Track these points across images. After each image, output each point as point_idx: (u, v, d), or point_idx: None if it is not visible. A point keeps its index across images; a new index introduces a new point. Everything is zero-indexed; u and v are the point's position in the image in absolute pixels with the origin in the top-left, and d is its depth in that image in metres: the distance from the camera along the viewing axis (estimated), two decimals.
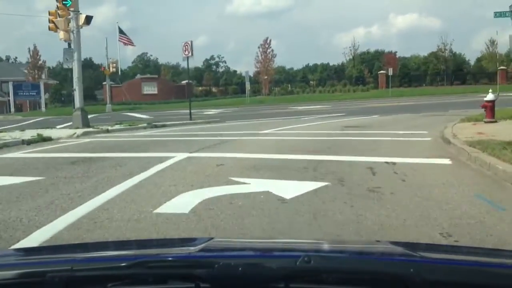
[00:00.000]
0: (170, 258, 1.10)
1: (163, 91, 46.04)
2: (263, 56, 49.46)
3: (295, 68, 66.71)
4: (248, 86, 39.29)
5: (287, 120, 17.19)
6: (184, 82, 47.48)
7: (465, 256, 1.34)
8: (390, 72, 40.74)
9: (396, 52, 58.40)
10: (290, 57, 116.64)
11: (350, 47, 53.19)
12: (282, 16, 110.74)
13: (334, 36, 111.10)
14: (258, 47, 50.38)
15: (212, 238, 1.50)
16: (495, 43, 52.19)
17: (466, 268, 1.05)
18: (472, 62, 55.94)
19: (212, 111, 27.93)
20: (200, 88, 53.41)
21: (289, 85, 51.81)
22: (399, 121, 14.72)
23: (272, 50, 50.31)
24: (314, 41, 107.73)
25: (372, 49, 60.33)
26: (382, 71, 49.03)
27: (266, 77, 48.82)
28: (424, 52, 56.63)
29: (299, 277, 0.98)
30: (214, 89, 53.85)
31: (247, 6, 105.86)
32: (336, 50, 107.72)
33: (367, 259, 1.15)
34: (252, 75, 52.21)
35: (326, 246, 1.51)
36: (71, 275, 1.00)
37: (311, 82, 52.88)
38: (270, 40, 50.64)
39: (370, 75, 51.94)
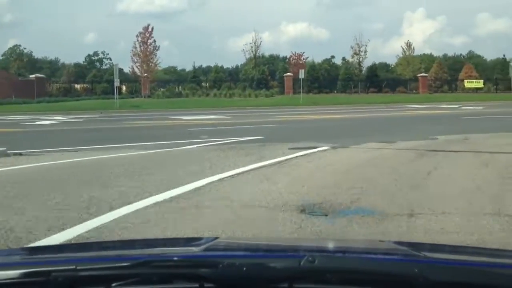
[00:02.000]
0: (174, 258, 1.11)
1: (3, 86, 35.53)
2: (142, 48, 40.87)
3: (187, 70, 61.54)
4: (117, 83, 30.32)
5: (146, 158, 9.52)
6: (33, 76, 37.50)
7: (469, 257, 1.38)
8: (302, 74, 34.37)
9: (304, 52, 53.37)
10: (183, 59, 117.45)
11: (251, 43, 46.63)
12: (175, 17, 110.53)
13: (228, 40, 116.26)
14: (136, 36, 41.71)
15: (216, 238, 1.54)
16: (412, 46, 49.19)
17: (470, 269, 1.07)
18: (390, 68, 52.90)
19: (45, 121, 19.08)
20: (57, 85, 43.00)
21: (178, 87, 43.66)
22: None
23: (154, 41, 41.93)
24: (208, 44, 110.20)
25: (266, 54, 55.67)
26: (288, 74, 43.13)
27: (146, 74, 40.29)
28: (318, 60, 52.95)
29: (303, 277, 1.00)
30: (78, 87, 43.71)
31: (138, 5, 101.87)
32: (229, 54, 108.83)
33: (371, 259, 1.16)
34: (130, 72, 43.40)
35: (330, 246, 1.59)
36: (76, 275, 1.02)
37: (203, 83, 45.19)
38: (152, 28, 42.10)
39: (271, 78, 45.85)
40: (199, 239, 1.73)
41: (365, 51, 46.62)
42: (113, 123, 17.75)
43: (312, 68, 44.88)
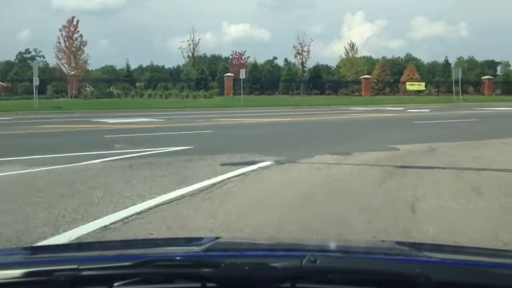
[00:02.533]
0: (176, 258, 1.11)
1: None
2: (67, 44, 37.44)
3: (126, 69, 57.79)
4: (36, 82, 27.07)
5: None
6: None
7: (470, 257, 1.38)
8: (243, 74, 32.45)
9: (245, 51, 51.54)
10: (124, 58, 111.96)
11: (188, 40, 44.27)
12: (114, 15, 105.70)
13: (169, 39, 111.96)
14: (60, 30, 38.15)
15: (218, 238, 1.53)
16: (355, 47, 48.64)
17: (471, 269, 1.08)
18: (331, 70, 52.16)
19: None
20: None
21: (110, 87, 40.56)
22: None
23: (81, 36, 38.62)
24: (149, 43, 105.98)
25: (208, 54, 53.64)
26: (229, 74, 41.19)
27: (74, 72, 36.96)
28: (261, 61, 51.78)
29: (305, 277, 1.01)
30: None
31: (75, 1, 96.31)
32: (171, 54, 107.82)
33: (373, 259, 1.18)
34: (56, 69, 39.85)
35: (331, 246, 1.63)
36: (77, 274, 1.02)
37: (137, 83, 42.27)
38: (78, 21, 38.73)
39: (212, 79, 43.74)
40: (201, 239, 1.70)
41: (308, 51, 45.62)
42: (21, 128, 15.05)
43: (254, 69, 43.16)
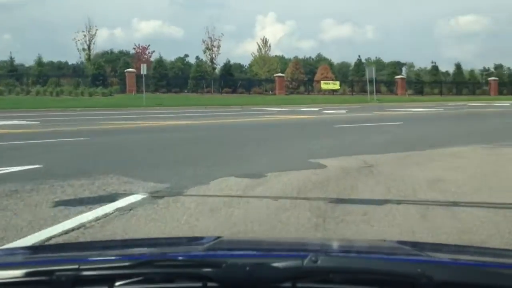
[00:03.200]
0: (177, 257, 1.11)
1: None
2: None
3: (27, 65, 52.08)
4: None
5: None
6: None
7: (472, 256, 1.38)
8: (144, 70, 29.09)
9: (149, 45, 48.04)
10: (27, 54, 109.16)
11: (83, 32, 40.16)
12: (17, 9, 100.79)
13: (75, 35, 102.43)
14: None
15: (219, 237, 1.49)
16: (268, 43, 47.06)
17: (473, 269, 1.08)
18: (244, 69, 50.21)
19: None
20: None
21: None
22: None
23: None
24: (53, 39, 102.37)
25: (116, 50, 49.58)
26: (130, 70, 37.73)
27: None
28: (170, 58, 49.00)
29: (306, 277, 1.01)
30: None
31: None
32: (75, 50, 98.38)
33: (374, 258, 1.17)
34: None
35: (333, 246, 1.61)
36: (78, 274, 1.02)
37: (25, 79, 37.48)
38: None
39: (114, 74, 40.01)
40: (202, 238, 1.68)
41: (219, 47, 43.30)
42: None
43: (160, 64, 39.98)
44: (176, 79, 41.60)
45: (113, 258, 1.19)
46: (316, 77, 46.28)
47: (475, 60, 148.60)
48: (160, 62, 40.63)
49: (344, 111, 23.83)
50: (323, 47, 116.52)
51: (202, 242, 1.47)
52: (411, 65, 68.11)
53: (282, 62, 55.34)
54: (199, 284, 1.01)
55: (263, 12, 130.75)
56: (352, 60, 54.39)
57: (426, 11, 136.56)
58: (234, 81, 42.45)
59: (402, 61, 62.28)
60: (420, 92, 46.34)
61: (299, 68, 45.72)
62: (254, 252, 1.33)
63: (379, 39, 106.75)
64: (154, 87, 36.75)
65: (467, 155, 7.94)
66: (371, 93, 37.03)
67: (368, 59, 65.19)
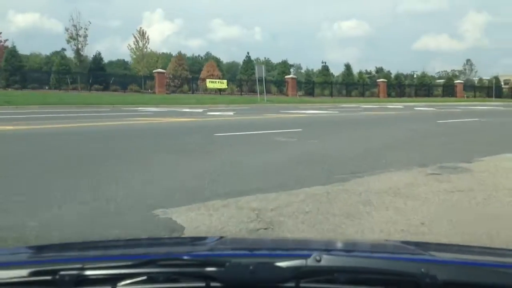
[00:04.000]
0: (180, 257, 1.12)
1: None
2: None
3: None
4: None
5: None
6: None
7: (476, 256, 1.38)
8: None
9: (7, 40, 41.06)
10: None
11: None
12: None
13: None
14: None
15: (222, 237, 1.54)
16: (146, 35, 42.66)
17: (477, 268, 1.08)
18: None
19: None
20: None
21: None
22: None
23: None
24: None
25: None
26: None
27: None
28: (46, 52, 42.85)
29: (310, 276, 1.02)
30: None
31: None
32: None
33: (377, 258, 1.17)
34: None
35: (336, 245, 1.60)
36: (82, 274, 1.03)
37: None
38: None
39: None
40: (205, 238, 1.71)
41: (85, 36, 38.06)
42: None
43: (13, 55, 33.79)
44: (35, 73, 35.75)
45: (116, 257, 1.21)
46: (202, 75, 42.92)
47: (357, 63, 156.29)
48: (13, 52, 34.27)
49: (231, 113, 20.70)
50: (212, 46, 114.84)
51: (205, 241, 1.53)
52: (298, 67, 67.54)
53: (168, 59, 51.29)
54: (203, 284, 1.02)
55: (150, 9, 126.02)
56: (241, 60, 51.94)
57: (312, 15, 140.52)
58: (106, 77, 37.51)
59: (290, 62, 61.46)
60: (310, 93, 44.98)
61: (182, 64, 41.91)
62: (258, 252, 1.34)
63: (268, 40, 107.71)
64: (5, 82, 30.87)
65: (417, 193, 4.98)
66: (261, 93, 34.51)
67: (257, 59, 63.79)
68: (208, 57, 69.40)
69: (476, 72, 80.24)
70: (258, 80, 34.90)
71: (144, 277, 1.04)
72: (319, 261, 1.03)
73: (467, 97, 52.08)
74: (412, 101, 41.08)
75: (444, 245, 1.94)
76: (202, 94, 37.97)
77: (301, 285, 1.01)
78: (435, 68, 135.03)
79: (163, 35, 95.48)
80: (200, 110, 22.89)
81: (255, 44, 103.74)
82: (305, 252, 1.13)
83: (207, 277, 1.02)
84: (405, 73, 64.28)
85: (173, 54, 60.98)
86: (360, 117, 20.26)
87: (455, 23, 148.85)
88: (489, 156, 7.80)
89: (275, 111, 22.67)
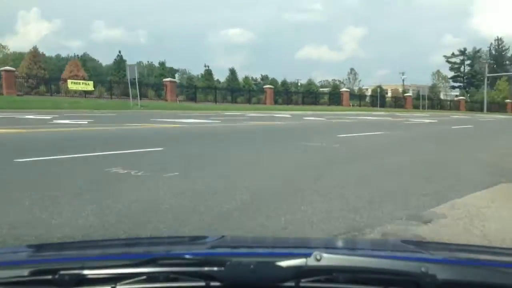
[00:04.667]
0: (181, 256, 1.12)
1: None
2: None
3: None
4: None
5: None
6: None
7: (476, 255, 1.38)
8: None
9: None
10: None
11: None
12: None
13: None
14: None
15: (223, 236, 1.54)
16: None
17: (477, 268, 1.10)
18: None
19: None
20: None
21: None
22: None
23: None
24: None
25: None
26: None
27: None
28: None
29: (310, 276, 1.02)
30: None
31: None
32: None
33: (378, 257, 1.17)
34: None
35: (336, 244, 1.68)
36: (82, 273, 1.03)
37: None
38: None
39: None
40: (205, 237, 1.69)
41: None
42: None
43: None
44: None
45: (116, 256, 1.22)
46: (64, 75, 37.25)
47: (243, 70, 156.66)
48: None
49: (86, 122, 16.41)
50: (92, 48, 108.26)
51: (205, 240, 1.53)
52: (184, 72, 64.36)
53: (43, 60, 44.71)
54: (203, 283, 1.02)
55: (26, 8, 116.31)
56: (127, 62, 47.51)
57: (199, 21, 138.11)
58: None
59: (175, 67, 57.75)
60: (193, 98, 41.30)
61: (38, 61, 35.92)
62: (258, 251, 1.34)
63: (152, 44, 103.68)
64: None
65: None
66: (135, 97, 30.19)
67: (139, 63, 59.71)
68: (86, 58, 63.82)
69: (360, 81, 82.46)
70: (131, 83, 30.53)
71: (144, 277, 1.04)
72: (319, 260, 1.03)
73: (352, 105, 51.88)
74: (300, 109, 39.21)
75: (444, 244, 1.98)
76: (64, 97, 32.63)
77: (301, 284, 1.02)
78: (317, 77, 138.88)
79: (41, 34, 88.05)
80: (48, 117, 18.24)
81: (139, 47, 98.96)
82: (306, 251, 1.13)
83: (208, 276, 1.03)
84: (289, 81, 63.59)
85: (47, 54, 54.73)
86: (245, 128, 17.00)
87: (334, 35, 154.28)
88: (438, 207, 4.73)
89: (145, 120, 18.71)
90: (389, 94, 63.43)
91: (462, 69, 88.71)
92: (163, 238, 2.42)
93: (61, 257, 1.26)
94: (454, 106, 62.96)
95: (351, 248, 1.52)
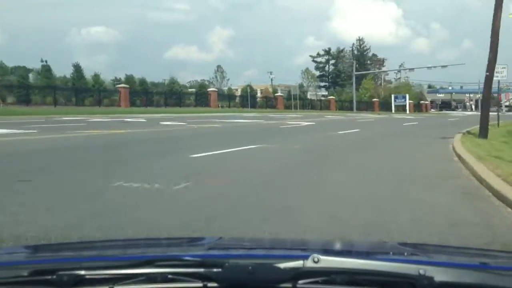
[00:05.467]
0: (179, 257, 1.12)
1: None
2: None
3: None
4: None
5: None
6: None
7: (473, 258, 1.40)
8: None
9: None
10: None
11: None
12: None
13: None
14: None
15: (220, 238, 1.60)
16: None
17: (474, 270, 1.08)
18: None
19: None
20: None
21: None
22: None
23: None
24: None
25: None
26: None
27: None
28: None
29: (307, 277, 1.02)
30: None
31: None
32: None
33: (375, 259, 1.16)
34: None
35: (334, 246, 1.63)
36: (80, 274, 1.04)
37: None
38: None
39: None
40: (203, 238, 1.75)
41: None
42: None
43: None
44: None
45: (114, 257, 1.23)
46: None
47: (107, 70, 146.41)
48: None
49: None
50: None
51: (203, 242, 1.56)
52: (38, 72, 56.60)
53: None
54: (200, 284, 1.02)
55: None
56: None
57: (59, 18, 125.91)
58: None
59: (29, 66, 49.01)
60: (25, 100, 33.56)
61: None
62: (255, 252, 1.34)
63: (5, 42, 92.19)
64: None
65: None
66: None
67: None
68: None
69: (228, 80, 78.55)
70: None
71: (142, 277, 1.03)
72: (317, 262, 1.02)
73: (222, 106, 47.37)
74: (161, 112, 33.68)
75: (441, 246, 2.02)
76: None
77: (299, 286, 1.01)
78: (186, 77, 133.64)
79: None
80: None
81: None
82: (303, 253, 1.12)
83: (205, 278, 1.02)
84: (156, 81, 57.40)
85: None
86: (74, 146, 11.17)
87: (203, 36, 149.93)
88: None
89: None
90: (259, 94, 60.09)
91: (327, 68, 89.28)
92: (161, 239, 2.35)
93: (59, 258, 1.27)
94: (325, 106, 61.44)
95: (348, 250, 1.53)
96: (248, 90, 47.23)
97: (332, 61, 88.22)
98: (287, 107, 52.15)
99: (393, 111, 61.30)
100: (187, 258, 1.10)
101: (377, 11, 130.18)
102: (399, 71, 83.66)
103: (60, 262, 1.14)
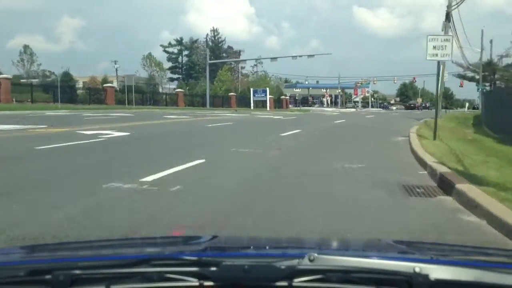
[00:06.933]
0: (174, 256, 1.12)
1: None
2: None
3: None
4: None
5: None
6: None
7: (468, 256, 1.42)
8: None
9: None
10: None
11: None
12: None
13: None
14: None
15: (216, 236, 1.52)
16: None
17: (469, 267, 1.08)
18: None
19: None
20: None
21: None
22: None
23: None
24: None
25: None
26: None
27: None
28: None
29: (303, 276, 1.02)
30: None
31: None
32: None
33: (370, 257, 1.15)
34: None
35: (329, 245, 1.66)
36: (76, 273, 1.03)
37: None
38: None
39: None
40: (199, 237, 1.71)
41: None
42: None
43: None
44: None
45: (110, 257, 1.22)
46: None
47: None
48: None
49: None
50: None
51: (199, 241, 1.52)
52: None
53: None
54: (196, 283, 1.01)
55: None
56: None
57: None
58: None
59: None
60: None
61: None
62: (251, 251, 1.34)
63: None
64: None
65: None
66: None
67: None
68: None
69: (40, 65, 63.60)
70: None
71: (138, 276, 1.02)
72: (312, 260, 1.02)
73: (20, 101, 34.03)
74: None
75: (437, 244, 1.99)
76: None
77: (294, 284, 1.00)
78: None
79: None
80: None
81: None
82: (299, 252, 1.11)
83: (202, 276, 1.01)
84: None
85: None
86: None
87: (50, 25, 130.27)
88: None
89: None
90: (81, 85, 47.19)
91: (180, 59, 79.14)
92: (157, 239, 2.34)
93: (55, 258, 1.26)
94: (171, 100, 50.52)
95: (344, 248, 1.54)
96: (59, 79, 32.85)
97: (186, 52, 78.54)
98: (121, 102, 40.57)
99: (252, 107, 52.72)
100: (183, 257, 1.09)
101: (232, 7, 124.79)
102: (255, 64, 76.50)
103: (56, 262, 1.13)
